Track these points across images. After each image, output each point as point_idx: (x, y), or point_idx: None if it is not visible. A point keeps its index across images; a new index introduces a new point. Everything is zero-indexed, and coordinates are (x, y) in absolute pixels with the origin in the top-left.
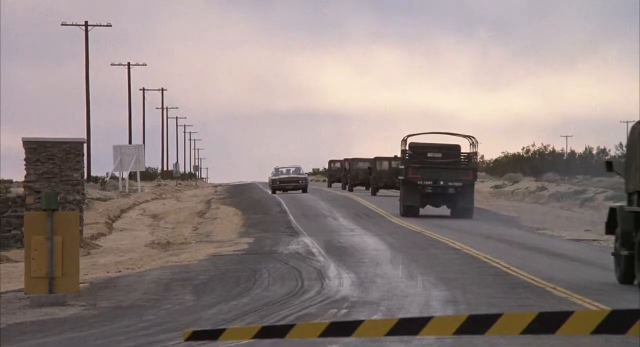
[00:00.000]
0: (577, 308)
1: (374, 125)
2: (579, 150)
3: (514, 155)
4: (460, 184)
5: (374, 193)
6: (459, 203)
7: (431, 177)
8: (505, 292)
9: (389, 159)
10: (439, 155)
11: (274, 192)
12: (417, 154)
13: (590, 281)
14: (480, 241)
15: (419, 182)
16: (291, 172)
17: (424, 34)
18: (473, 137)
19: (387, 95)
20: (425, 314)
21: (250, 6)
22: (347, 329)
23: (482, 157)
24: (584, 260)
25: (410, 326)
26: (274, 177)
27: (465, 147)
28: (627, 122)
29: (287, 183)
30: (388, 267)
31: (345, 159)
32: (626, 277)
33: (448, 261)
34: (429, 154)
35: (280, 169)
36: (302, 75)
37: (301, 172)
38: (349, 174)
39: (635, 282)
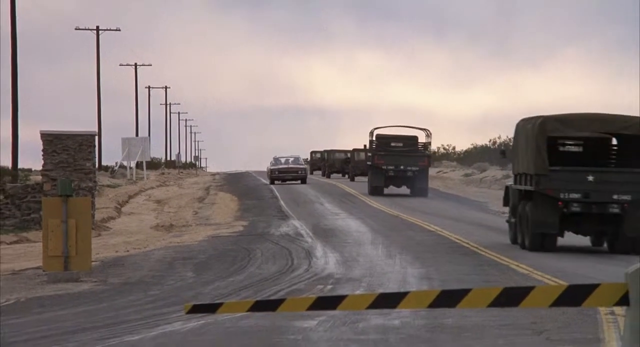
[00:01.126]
0: (537, 283)
1: (356, 120)
2: None
3: (482, 146)
4: (417, 168)
5: (352, 179)
6: (416, 184)
7: (393, 162)
8: (473, 269)
9: (365, 151)
10: (400, 144)
11: (272, 182)
12: (382, 144)
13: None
14: (451, 223)
15: (383, 167)
16: (290, 162)
17: (401, 37)
18: (428, 130)
19: (368, 93)
20: (402, 290)
21: (246, 13)
22: (333, 303)
23: (454, 148)
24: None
25: (389, 300)
26: (272, 167)
27: (422, 138)
28: None
29: (286, 173)
30: (369, 247)
31: (325, 150)
32: (515, 239)
33: (423, 241)
34: (392, 144)
35: (279, 159)
36: (292, 75)
37: (300, 162)
38: (327, 163)
39: (518, 241)
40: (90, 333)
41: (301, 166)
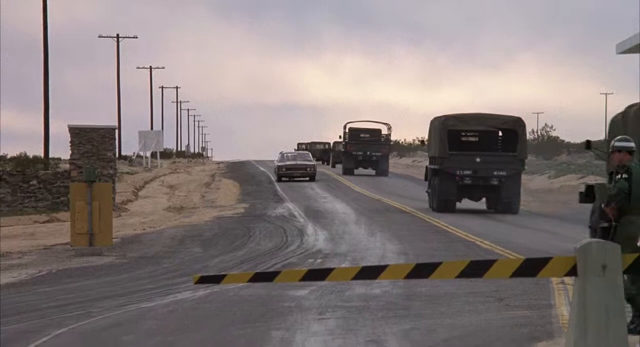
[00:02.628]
0: (499, 257)
1: (342, 115)
2: None
3: None
4: (380, 154)
5: (333, 166)
6: (380, 166)
7: (362, 149)
8: (444, 245)
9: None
10: (368, 135)
11: (279, 179)
12: (353, 135)
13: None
14: (425, 206)
15: (353, 153)
16: (298, 158)
17: (382, 44)
18: (389, 124)
19: (353, 92)
20: (382, 263)
21: (247, 22)
22: (322, 275)
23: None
24: (505, 220)
25: (370, 272)
26: (279, 163)
27: (385, 131)
28: (537, 113)
29: (294, 170)
30: (353, 226)
31: (308, 142)
32: (431, 205)
33: (400, 221)
34: (361, 135)
35: (286, 154)
36: (287, 76)
37: (309, 158)
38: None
39: (433, 207)
40: (112, 300)
41: (310, 163)
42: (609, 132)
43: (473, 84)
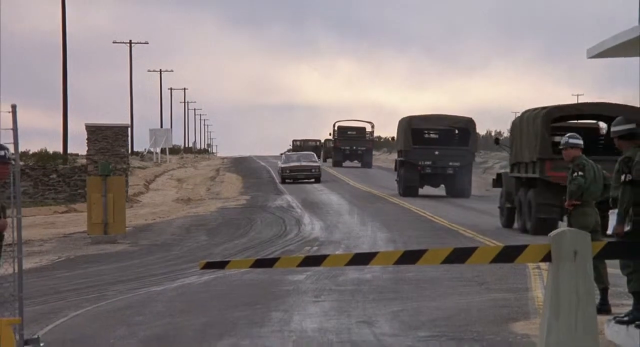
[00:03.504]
0: (479, 244)
1: (336, 115)
2: (482, 133)
3: None
4: (364, 148)
5: (324, 160)
6: (364, 159)
7: (349, 144)
8: (429, 233)
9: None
10: (354, 132)
11: (283, 181)
12: (341, 132)
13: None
14: (411, 197)
15: (342, 148)
16: (302, 159)
17: (372, 50)
18: (372, 123)
19: (346, 93)
20: (373, 250)
21: (250, 29)
22: (318, 261)
23: None
24: (485, 211)
25: (362, 258)
26: (283, 165)
27: (369, 128)
28: (515, 112)
29: (298, 172)
30: (347, 216)
31: (302, 139)
32: (399, 191)
33: (389, 212)
34: (348, 132)
35: (290, 156)
36: (286, 78)
37: (313, 159)
38: (302, 149)
39: (400, 192)
40: (125, 284)
41: (314, 164)
42: (510, 133)
43: (454, 86)
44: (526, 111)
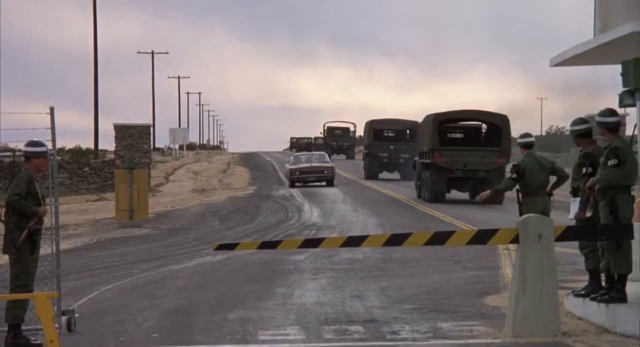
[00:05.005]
0: (456, 228)
1: (331, 116)
2: None
3: None
4: (348, 144)
5: None
6: (348, 153)
7: (336, 141)
8: (414, 219)
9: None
10: (340, 131)
11: (292, 184)
12: (330, 131)
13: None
14: (399, 188)
15: (330, 144)
16: (313, 160)
17: (365, 58)
18: (354, 123)
19: (341, 97)
20: (364, 233)
21: (256, 40)
22: (316, 243)
23: None
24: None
25: (355, 241)
26: (292, 166)
27: (352, 128)
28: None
29: (309, 174)
30: (341, 205)
31: (297, 137)
32: (366, 176)
33: (378, 201)
34: (336, 131)
35: (299, 157)
36: (288, 83)
37: (325, 159)
38: (297, 145)
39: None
40: (148, 263)
41: (327, 165)
42: (417, 131)
43: (437, 90)
44: (426, 116)
